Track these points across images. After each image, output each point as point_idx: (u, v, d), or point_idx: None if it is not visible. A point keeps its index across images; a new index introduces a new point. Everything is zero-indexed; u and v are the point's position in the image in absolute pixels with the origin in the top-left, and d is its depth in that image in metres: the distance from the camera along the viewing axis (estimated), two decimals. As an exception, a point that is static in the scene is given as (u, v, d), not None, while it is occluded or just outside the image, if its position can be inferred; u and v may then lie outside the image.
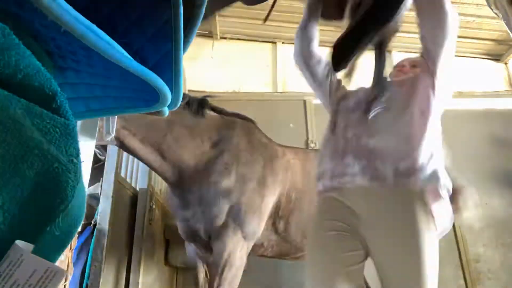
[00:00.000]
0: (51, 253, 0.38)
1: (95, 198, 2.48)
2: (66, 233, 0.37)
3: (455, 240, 3.34)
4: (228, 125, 2.26)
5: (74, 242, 2.21)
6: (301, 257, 2.44)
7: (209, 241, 2.07)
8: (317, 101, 2.68)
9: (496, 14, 1.22)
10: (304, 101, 3.89)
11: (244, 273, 2.08)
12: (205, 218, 2.02)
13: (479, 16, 3.68)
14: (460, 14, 3.68)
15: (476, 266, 3.28)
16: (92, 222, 2.39)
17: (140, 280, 2.51)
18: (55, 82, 0.39)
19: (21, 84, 0.35)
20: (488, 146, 3.71)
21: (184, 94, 1.93)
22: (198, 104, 2.17)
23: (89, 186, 0.96)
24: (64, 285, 1.32)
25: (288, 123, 3.80)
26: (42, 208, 0.34)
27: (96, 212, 2.39)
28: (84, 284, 2.20)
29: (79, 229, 0.90)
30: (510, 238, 3.37)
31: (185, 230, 2.16)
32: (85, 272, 2.23)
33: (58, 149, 0.36)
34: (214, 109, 2.28)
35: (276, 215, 2.23)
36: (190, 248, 2.35)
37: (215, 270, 1.97)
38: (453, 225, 3.37)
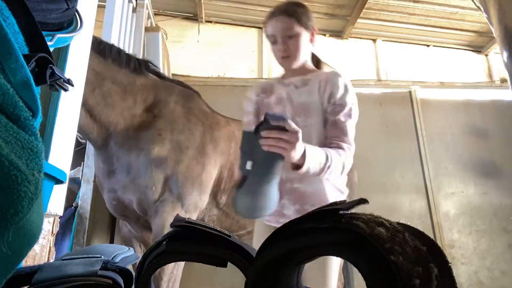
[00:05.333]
0: None
1: (75, 182, 2.46)
2: (16, 252, 0.31)
3: (431, 226, 3.46)
4: (166, 89, 2.06)
5: (56, 226, 2.18)
6: (243, 235, 2.34)
7: (144, 217, 1.90)
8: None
9: (478, 7, 1.24)
10: (289, 88, 3.87)
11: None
12: (136, 188, 1.82)
13: (462, 8, 3.72)
14: (444, 4, 3.73)
15: (451, 251, 3.41)
16: (74, 204, 2.37)
17: (122, 264, 2.51)
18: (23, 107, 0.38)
19: None
20: (466, 136, 3.81)
21: (100, 39, 1.83)
22: (139, 61, 1.98)
23: (70, 170, 0.95)
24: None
25: (272, 109, 3.79)
26: None
27: (77, 196, 2.37)
28: (65, 268, 2.20)
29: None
30: (483, 225, 3.51)
31: (114, 204, 1.93)
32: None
33: (19, 159, 0.33)
34: (153, 72, 2.09)
35: (217, 188, 2.08)
36: (125, 229, 2.17)
37: None
38: (430, 212, 3.50)
